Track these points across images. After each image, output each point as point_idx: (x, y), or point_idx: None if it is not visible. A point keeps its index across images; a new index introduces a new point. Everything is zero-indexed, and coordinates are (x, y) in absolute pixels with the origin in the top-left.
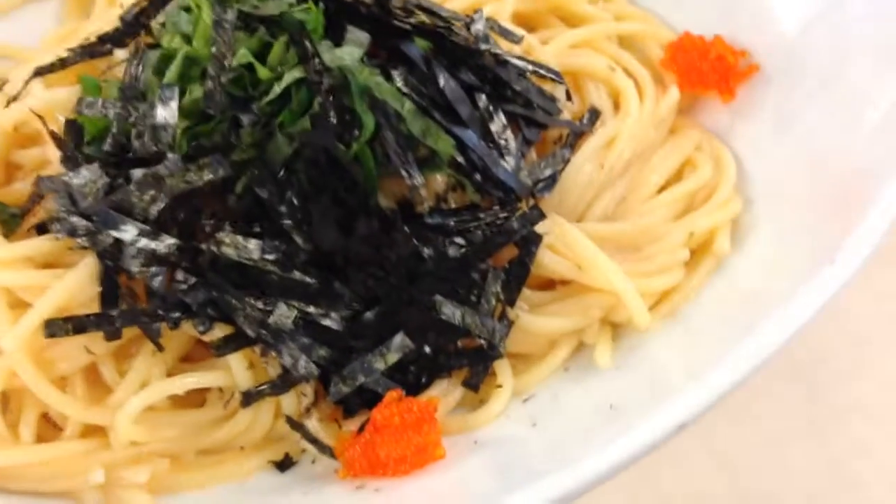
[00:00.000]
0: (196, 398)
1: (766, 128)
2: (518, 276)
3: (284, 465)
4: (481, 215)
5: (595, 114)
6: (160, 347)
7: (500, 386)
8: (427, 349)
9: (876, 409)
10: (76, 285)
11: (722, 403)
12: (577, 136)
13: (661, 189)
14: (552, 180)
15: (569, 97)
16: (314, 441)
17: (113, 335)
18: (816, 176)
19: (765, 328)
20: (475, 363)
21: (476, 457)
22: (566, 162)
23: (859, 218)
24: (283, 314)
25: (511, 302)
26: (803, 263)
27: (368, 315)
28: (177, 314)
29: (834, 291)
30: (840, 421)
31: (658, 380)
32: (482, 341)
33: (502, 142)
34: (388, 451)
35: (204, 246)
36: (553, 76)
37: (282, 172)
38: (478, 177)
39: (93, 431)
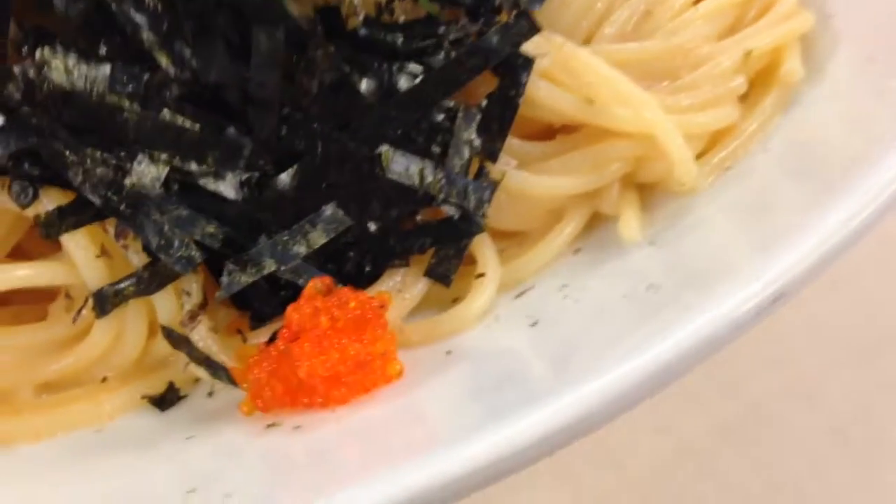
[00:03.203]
0: (33, 311)
1: None
2: (501, 116)
3: (166, 400)
4: (442, 30)
5: None
6: None
7: (481, 275)
8: (371, 226)
9: None
10: None
11: None
12: None
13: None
14: None
15: None
16: (203, 360)
17: None
18: None
19: (858, 185)
20: (443, 243)
21: (448, 374)
22: None
23: None
24: (146, 172)
25: (493, 154)
26: None
27: (283, 178)
28: None
29: None
30: None
31: (715, 254)
32: (452, 210)
33: None
34: (312, 368)
35: (16, 68)
36: None
37: None
38: None
39: None
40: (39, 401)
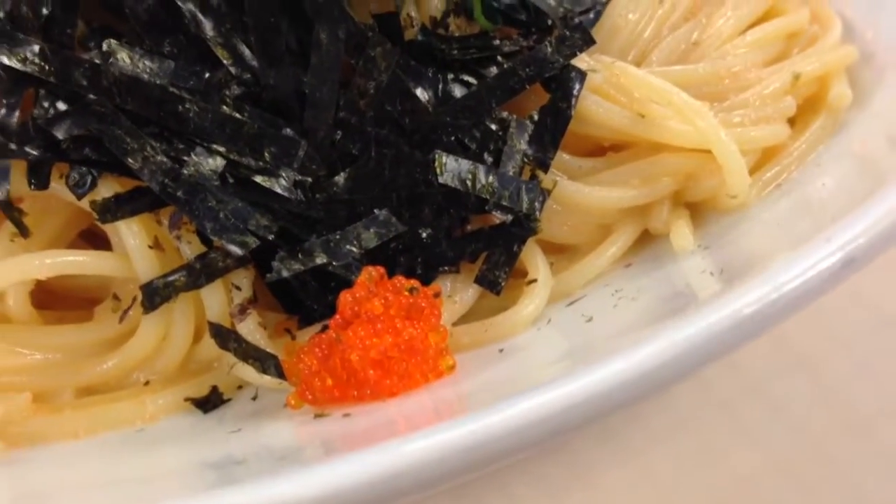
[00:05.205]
0: (75, 316)
1: None
2: (553, 127)
3: (209, 402)
4: (497, 43)
5: None
6: (22, 229)
7: (532, 281)
8: (422, 232)
9: None
10: None
11: None
12: None
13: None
14: (594, 14)
15: None
16: (252, 354)
17: None
18: None
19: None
20: (494, 248)
21: (499, 368)
22: None
23: None
24: (204, 163)
25: (544, 164)
26: None
27: (337, 180)
28: (35, 151)
29: None
30: None
31: (770, 245)
32: (503, 216)
33: None
34: (364, 351)
35: (86, 56)
36: None
37: None
38: None
39: None
40: (80, 401)
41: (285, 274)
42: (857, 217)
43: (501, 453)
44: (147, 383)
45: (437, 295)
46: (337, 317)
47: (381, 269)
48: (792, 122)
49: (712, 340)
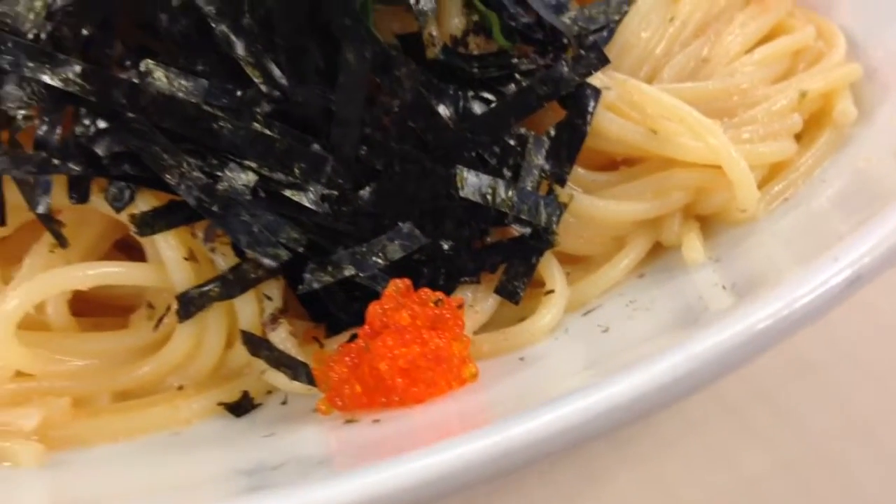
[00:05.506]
0: (111, 323)
1: None
2: (569, 143)
3: (241, 407)
4: (515, 61)
5: None
6: (61, 240)
7: (550, 292)
8: (444, 244)
9: None
10: None
11: None
12: None
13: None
14: (607, 32)
15: None
16: (283, 362)
17: None
18: None
19: None
20: (513, 259)
21: (521, 377)
22: (623, 14)
23: None
24: (237, 178)
25: (561, 179)
26: None
27: (362, 193)
28: (76, 167)
29: None
30: None
31: (779, 261)
32: (522, 229)
33: None
34: (393, 360)
35: (124, 75)
36: None
37: None
38: (510, 11)
39: None
40: (117, 405)
41: (316, 286)
42: (863, 236)
43: (525, 462)
44: (181, 388)
45: (460, 306)
46: (366, 327)
47: (408, 282)
48: (798, 137)
49: (728, 354)
